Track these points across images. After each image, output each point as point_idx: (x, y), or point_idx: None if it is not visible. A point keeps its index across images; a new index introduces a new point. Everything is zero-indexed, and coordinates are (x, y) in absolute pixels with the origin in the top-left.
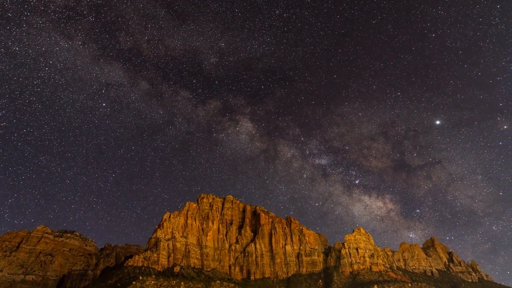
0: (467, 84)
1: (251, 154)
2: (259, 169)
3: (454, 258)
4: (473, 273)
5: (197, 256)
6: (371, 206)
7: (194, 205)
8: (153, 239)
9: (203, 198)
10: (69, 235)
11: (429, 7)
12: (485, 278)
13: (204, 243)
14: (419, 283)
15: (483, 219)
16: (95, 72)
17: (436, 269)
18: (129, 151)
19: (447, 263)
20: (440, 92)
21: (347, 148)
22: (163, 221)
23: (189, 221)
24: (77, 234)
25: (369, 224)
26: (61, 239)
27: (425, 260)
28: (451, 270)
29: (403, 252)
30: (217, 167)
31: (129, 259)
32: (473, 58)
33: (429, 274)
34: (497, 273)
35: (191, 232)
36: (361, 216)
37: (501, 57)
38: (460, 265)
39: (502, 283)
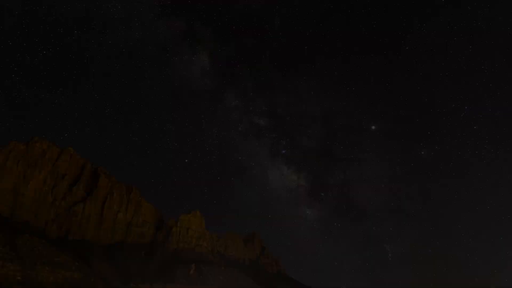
0: (414, 105)
1: (197, 89)
2: (199, 106)
3: (265, 252)
4: (275, 266)
5: (9, 204)
6: (286, 177)
7: (22, 147)
8: None
9: (36, 142)
10: None
11: (418, 21)
12: (282, 271)
13: (22, 192)
14: (231, 268)
15: (368, 218)
16: None
17: (249, 259)
18: (69, 34)
19: (258, 255)
20: (388, 102)
21: (287, 118)
22: None
23: (9, 163)
24: None
25: (277, 190)
26: None
27: (243, 250)
28: (260, 261)
29: (227, 239)
30: (158, 87)
31: None
32: (427, 85)
33: (242, 262)
34: (366, 264)
35: (8, 176)
36: (274, 181)
37: (450, 94)
38: (268, 258)
39: (294, 277)
